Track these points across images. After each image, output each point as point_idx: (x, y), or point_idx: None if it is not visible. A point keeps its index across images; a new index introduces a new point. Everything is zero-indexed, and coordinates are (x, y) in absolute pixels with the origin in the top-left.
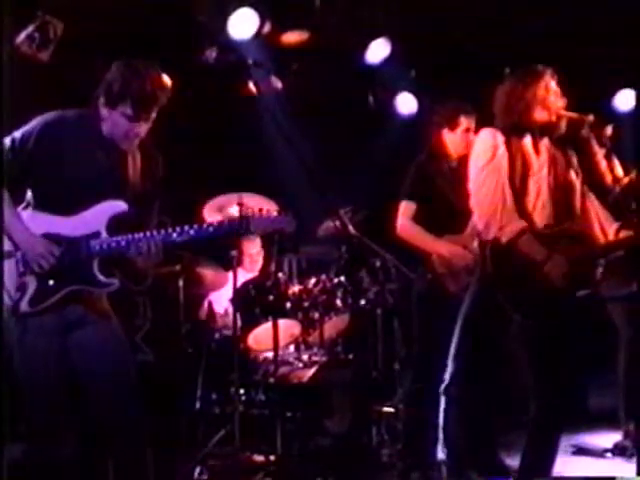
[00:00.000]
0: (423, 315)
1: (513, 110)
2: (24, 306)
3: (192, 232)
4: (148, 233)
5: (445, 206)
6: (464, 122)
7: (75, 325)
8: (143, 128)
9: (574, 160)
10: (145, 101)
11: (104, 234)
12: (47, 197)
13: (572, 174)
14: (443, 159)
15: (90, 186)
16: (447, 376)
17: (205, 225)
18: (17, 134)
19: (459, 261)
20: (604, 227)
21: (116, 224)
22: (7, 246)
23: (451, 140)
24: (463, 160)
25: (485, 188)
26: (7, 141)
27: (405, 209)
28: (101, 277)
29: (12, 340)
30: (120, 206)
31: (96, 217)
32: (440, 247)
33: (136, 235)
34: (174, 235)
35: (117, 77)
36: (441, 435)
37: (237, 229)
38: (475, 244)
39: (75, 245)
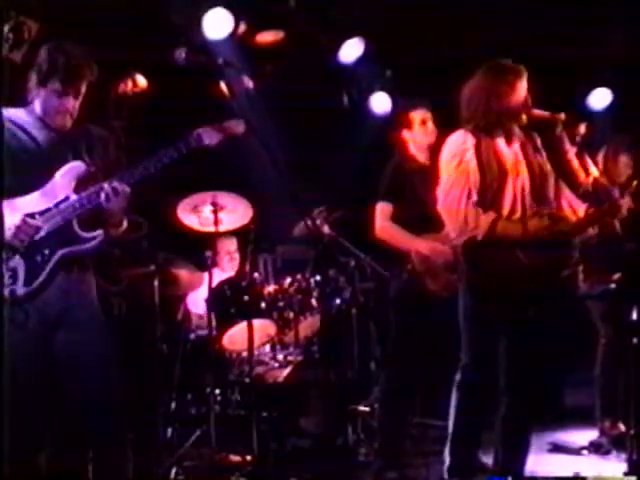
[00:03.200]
0: (399, 315)
1: (489, 112)
2: (20, 289)
3: (152, 168)
4: (114, 180)
5: (421, 205)
6: (416, 116)
7: (57, 323)
8: (72, 103)
9: (539, 143)
10: (71, 76)
11: (73, 196)
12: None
13: (540, 158)
14: (413, 158)
15: (43, 174)
16: (460, 372)
17: (162, 153)
18: None
19: (438, 258)
20: (574, 208)
21: (82, 184)
22: None
23: (411, 138)
24: (435, 156)
25: (451, 195)
26: None
27: (382, 210)
28: (83, 233)
29: None
30: (80, 167)
31: (61, 183)
32: (419, 245)
33: (103, 184)
34: (140, 169)
35: (45, 57)
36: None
37: (191, 144)
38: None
39: (48, 215)
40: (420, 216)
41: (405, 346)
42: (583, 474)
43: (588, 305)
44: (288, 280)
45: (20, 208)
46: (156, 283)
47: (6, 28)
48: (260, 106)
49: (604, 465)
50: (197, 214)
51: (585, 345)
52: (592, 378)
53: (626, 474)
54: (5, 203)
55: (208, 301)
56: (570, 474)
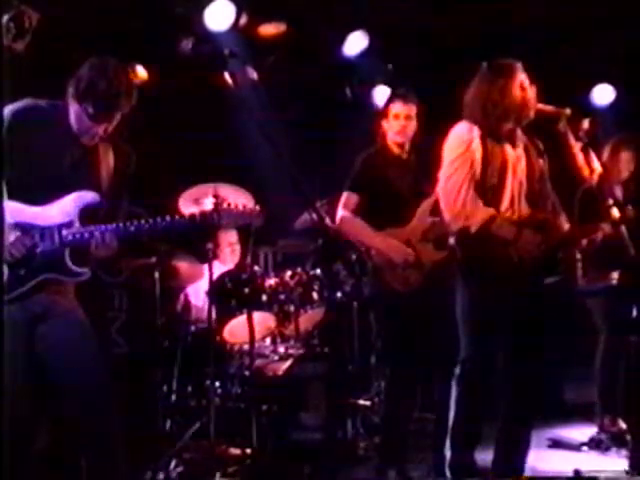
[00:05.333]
0: (377, 313)
1: (490, 113)
2: None
3: (164, 224)
4: (121, 224)
5: (390, 198)
6: (392, 109)
7: (41, 318)
8: (103, 127)
9: (542, 147)
10: (106, 104)
11: (77, 224)
12: (17, 187)
13: (541, 163)
14: (388, 149)
15: (60, 178)
16: (459, 366)
17: (177, 218)
18: None
19: (397, 256)
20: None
21: (89, 214)
22: None
23: (388, 128)
24: (414, 149)
25: (453, 179)
26: None
27: (346, 200)
28: (73, 266)
29: None
30: (92, 196)
31: (69, 207)
32: (377, 241)
33: (109, 226)
34: (146, 227)
35: (86, 75)
36: (450, 427)
37: (208, 222)
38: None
39: (47, 234)
40: (388, 209)
41: (392, 342)
42: (583, 470)
43: (588, 301)
44: (289, 273)
45: (21, 216)
46: (157, 275)
47: (7, 18)
48: (263, 98)
49: (604, 461)
50: (198, 206)
51: (585, 341)
52: (592, 374)
53: (627, 472)
54: (9, 205)
55: (209, 293)
56: (570, 470)
